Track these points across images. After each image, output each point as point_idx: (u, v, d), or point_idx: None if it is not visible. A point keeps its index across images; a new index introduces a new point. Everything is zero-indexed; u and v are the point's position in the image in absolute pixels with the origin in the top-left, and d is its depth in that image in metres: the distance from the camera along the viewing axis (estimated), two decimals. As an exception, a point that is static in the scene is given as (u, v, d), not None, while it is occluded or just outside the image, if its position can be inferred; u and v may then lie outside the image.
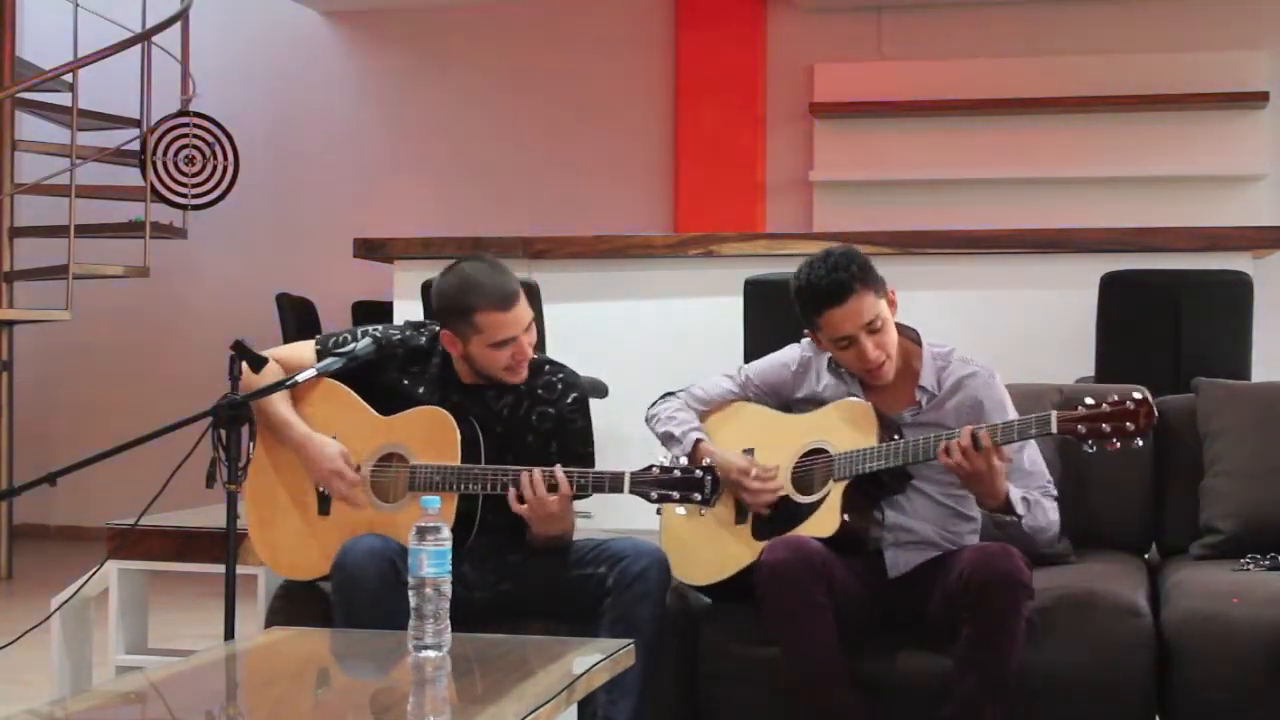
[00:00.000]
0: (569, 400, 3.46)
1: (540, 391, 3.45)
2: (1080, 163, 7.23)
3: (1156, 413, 3.00)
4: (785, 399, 3.47)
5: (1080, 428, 3.00)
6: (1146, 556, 3.82)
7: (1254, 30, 7.22)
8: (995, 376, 3.34)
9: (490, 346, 3.33)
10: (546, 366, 3.49)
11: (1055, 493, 3.30)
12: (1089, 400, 3.02)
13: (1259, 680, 3.09)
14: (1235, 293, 4.53)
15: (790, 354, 3.49)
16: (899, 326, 3.35)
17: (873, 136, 7.50)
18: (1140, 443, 3.01)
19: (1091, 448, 3.01)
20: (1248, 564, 3.45)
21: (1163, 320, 4.54)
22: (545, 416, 3.44)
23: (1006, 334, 4.99)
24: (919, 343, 3.37)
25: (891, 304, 3.30)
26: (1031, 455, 3.29)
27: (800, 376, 3.44)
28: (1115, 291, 4.62)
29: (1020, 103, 7.26)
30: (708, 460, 3.30)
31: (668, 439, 3.46)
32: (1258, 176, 7.10)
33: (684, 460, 3.22)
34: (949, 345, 3.38)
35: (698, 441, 3.40)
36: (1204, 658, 3.14)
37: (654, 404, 3.56)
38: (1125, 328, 4.61)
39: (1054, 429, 3.04)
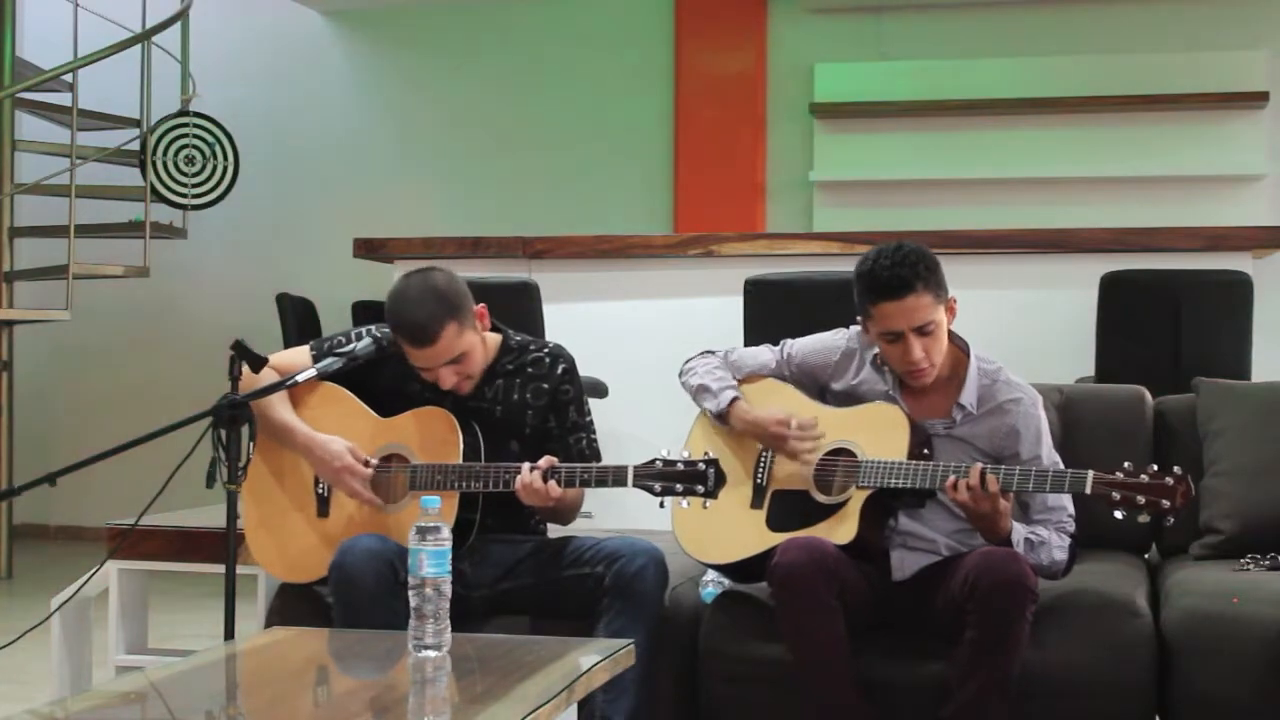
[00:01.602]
0: (559, 371, 3.48)
1: (529, 369, 3.48)
2: (1080, 163, 7.22)
3: (1194, 491, 2.98)
4: (821, 385, 3.43)
5: (1114, 494, 2.98)
6: (1146, 556, 3.82)
7: (1254, 30, 7.21)
8: (1039, 405, 3.28)
9: (416, 364, 3.36)
10: (531, 345, 3.51)
11: (1072, 529, 3.25)
12: (1127, 465, 2.99)
13: (1259, 680, 3.08)
14: (1235, 293, 4.53)
15: (836, 341, 3.43)
16: (949, 335, 3.29)
17: (873, 136, 7.50)
18: (1172, 520, 2.99)
19: (1121, 516, 2.99)
20: (1248, 564, 3.45)
21: (1163, 320, 4.54)
22: (540, 392, 3.46)
23: (1006, 334, 4.98)
24: (968, 354, 3.30)
25: (950, 312, 3.25)
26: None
27: (841, 367, 3.39)
28: (1115, 291, 4.62)
29: (1020, 103, 7.26)
30: (745, 415, 3.31)
31: (701, 390, 3.41)
32: (1258, 176, 7.10)
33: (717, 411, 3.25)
34: (998, 362, 3.33)
35: (734, 400, 3.36)
36: (1204, 658, 3.14)
37: (690, 359, 3.52)
38: (1125, 328, 4.61)
39: (1088, 490, 3.01)
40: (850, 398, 3.36)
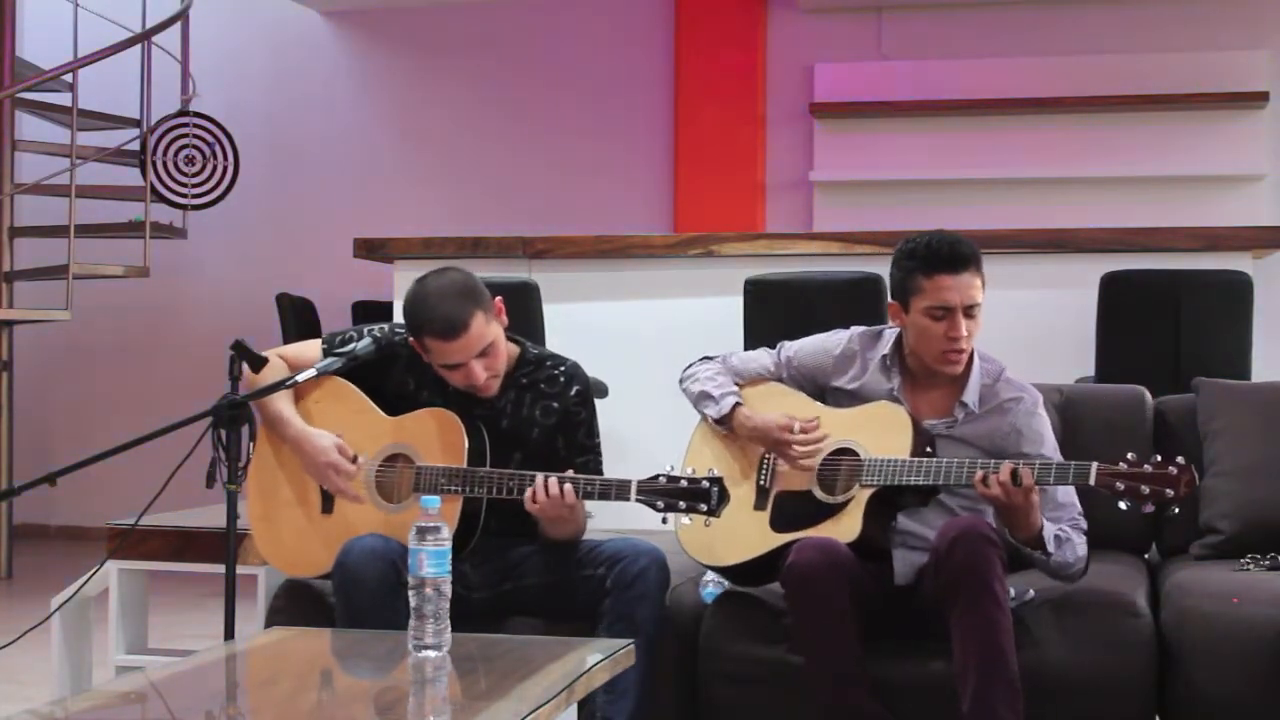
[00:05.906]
0: (572, 393, 3.45)
1: (543, 385, 3.46)
2: (1080, 163, 7.22)
3: (1198, 480, 2.98)
4: (820, 385, 3.42)
5: (1119, 485, 2.96)
6: (1146, 556, 3.82)
7: (1254, 30, 7.22)
8: (1040, 405, 3.28)
9: (442, 367, 3.34)
10: (548, 361, 3.49)
11: (1085, 525, 3.24)
12: (1130, 456, 2.98)
13: (1259, 680, 3.08)
14: (1235, 293, 4.53)
15: (835, 340, 3.43)
16: None
17: (873, 136, 7.50)
18: (1176, 510, 2.99)
19: (1126, 506, 2.97)
20: (1248, 564, 3.45)
21: (1163, 320, 4.54)
22: (549, 411, 3.44)
23: (1006, 334, 4.96)
24: (971, 353, 3.29)
25: None
26: (1066, 488, 3.22)
27: (841, 365, 3.38)
28: (1115, 291, 4.62)
29: (1020, 103, 7.26)
30: (747, 421, 3.31)
31: (703, 397, 3.42)
32: (1258, 176, 7.10)
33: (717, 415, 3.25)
34: (1001, 363, 3.33)
35: (736, 405, 3.36)
36: (1204, 658, 3.14)
37: (690, 365, 3.52)
38: (1125, 328, 4.61)
39: (1092, 481, 3.00)
40: (852, 398, 3.35)
